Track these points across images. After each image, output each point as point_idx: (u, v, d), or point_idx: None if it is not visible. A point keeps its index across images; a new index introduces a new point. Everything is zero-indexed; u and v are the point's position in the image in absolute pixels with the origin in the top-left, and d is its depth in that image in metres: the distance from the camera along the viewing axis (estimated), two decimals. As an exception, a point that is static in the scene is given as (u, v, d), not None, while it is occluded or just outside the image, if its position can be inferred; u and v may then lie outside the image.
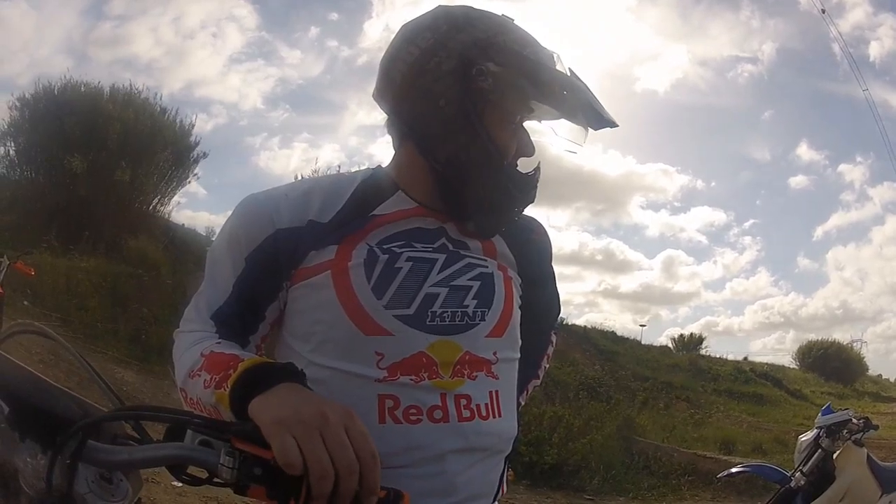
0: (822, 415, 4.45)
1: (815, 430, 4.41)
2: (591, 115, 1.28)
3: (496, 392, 1.31)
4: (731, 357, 23.70)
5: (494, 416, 1.29)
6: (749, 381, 20.13)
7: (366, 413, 1.17)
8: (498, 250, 1.40)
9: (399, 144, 1.39)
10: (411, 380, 1.22)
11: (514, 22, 1.35)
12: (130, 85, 15.49)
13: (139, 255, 12.97)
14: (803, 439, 4.51)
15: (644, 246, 41.56)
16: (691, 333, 25.84)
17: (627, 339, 22.04)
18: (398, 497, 0.98)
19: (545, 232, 1.57)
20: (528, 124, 1.38)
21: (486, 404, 1.28)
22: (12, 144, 14.74)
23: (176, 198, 16.19)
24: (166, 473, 0.97)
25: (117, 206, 14.14)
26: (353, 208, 1.32)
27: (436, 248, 1.33)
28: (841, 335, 29.90)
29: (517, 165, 1.36)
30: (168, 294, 11.40)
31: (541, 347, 1.69)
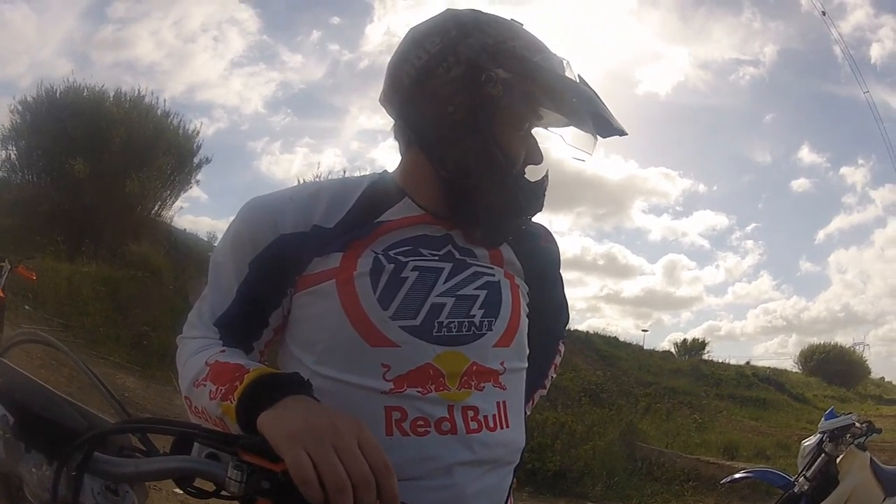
0: (826, 419, 4.45)
1: (819, 435, 4.42)
2: (600, 124, 1.27)
3: (504, 403, 1.29)
4: (733, 361, 23.76)
5: (502, 427, 1.28)
6: (752, 385, 20.12)
7: (373, 425, 1.14)
8: (505, 258, 1.39)
9: (406, 150, 1.38)
10: (418, 392, 1.21)
11: (524, 27, 1.34)
12: (137, 91, 15.52)
13: (141, 260, 12.97)
14: (806, 444, 4.51)
15: (646, 250, 41.71)
16: (694, 338, 25.92)
17: (630, 344, 22.11)
18: None
19: (553, 238, 1.56)
20: (536, 131, 1.37)
21: (494, 415, 1.27)
22: (13, 148, 14.75)
23: (178, 203, 16.21)
24: (169, 481, 0.97)
25: (119, 210, 14.13)
26: (358, 214, 1.31)
27: (442, 256, 1.31)
28: (843, 338, 30.03)
29: (525, 173, 1.35)
30: (170, 299, 11.41)
31: (548, 357, 1.68)
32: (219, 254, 1.34)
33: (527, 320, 1.40)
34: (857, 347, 26.71)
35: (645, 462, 10.19)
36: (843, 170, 41.62)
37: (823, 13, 19.45)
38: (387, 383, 1.20)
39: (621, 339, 22.16)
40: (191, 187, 16.29)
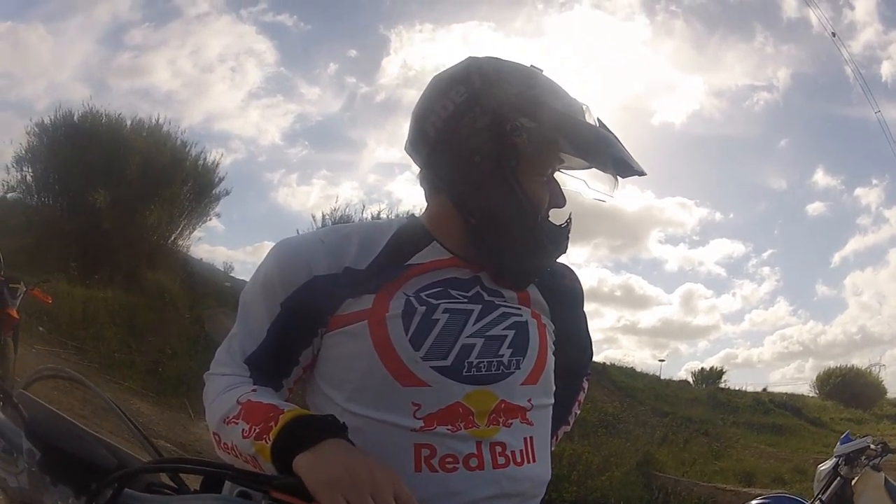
0: (841, 443, 4.45)
1: (834, 459, 4.41)
2: (621, 166, 1.28)
3: (531, 438, 1.30)
4: (750, 389, 23.56)
5: (529, 462, 1.28)
6: (768, 411, 19.99)
7: (402, 461, 1.17)
8: (532, 298, 1.40)
9: (432, 196, 1.40)
10: (448, 429, 1.21)
11: (544, 73, 1.36)
12: (155, 119, 15.70)
13: (157, 287, 13.05)
14: (822, 468, 4.51)
15: (663, 280, 41.42)
16: (711, 367, 25.73)
17: (646, 374, 22.07)
18: None
19: (577, 278, 1.57)
20: (558, 174, 1.38)
21: (521, 450, 1.27)
22: (29, 169, 14.89)
23: (195, 233, 16.30)
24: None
25: (135, 238, 14.25)
26: (389, 256, 1.32)
27: (471, 297, 1.33)
28: (859, 360, 29.71)
29: (549, 216, 1.37)
30: (185, 328, 11.47)
31: (572, 393, 1.68)
32: (249, 293, 1.35)
33: (553, 358, 1.40)
34: (874, 368, 26.42)
35: (662, 491, 10.12)
36: (858, 191, 41.11)
37: (833, 34, 19.40)
38: (417, 421, 1.21)
39: (638, 369, 22.16)
40: (209, 219, 16.43)
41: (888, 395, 25.37)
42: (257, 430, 1.09)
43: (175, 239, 15.81)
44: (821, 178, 35.57)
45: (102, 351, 10.26)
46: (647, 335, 35.57)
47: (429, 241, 1.35)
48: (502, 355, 1.28)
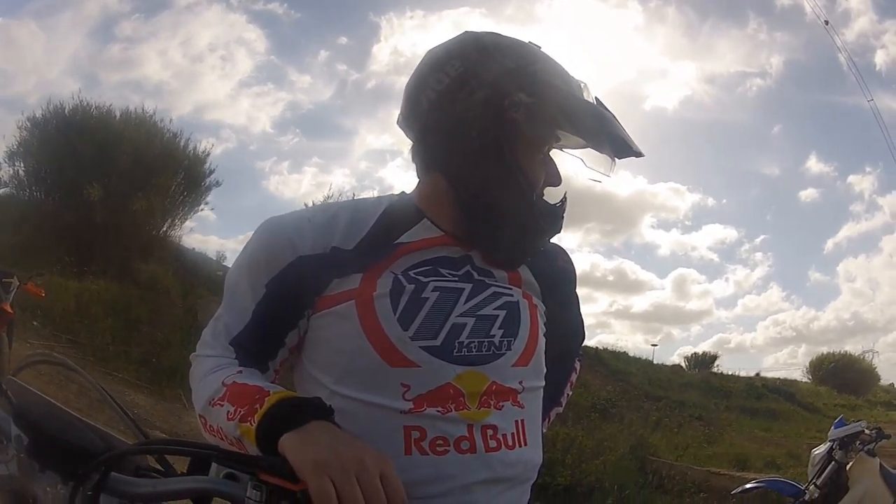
0: (835, 427, 4.47)
1: (828, 443, 4.44)
2: (618, 145, 1.27)
3: (522, 421, 1.29)
4: (743, 373, 23.63)
5: (520, 445, 1.27)
6: (761, 396, 20.05)
7: (392, 444, 1.16)
8: (523, 278, 1.38)
9: (424, 172, 1.37)
10: (438, 411, 1.20)
11: (542, 49, 1.34)
12: (142, 109, 15.62)
13: (150, 278, 13.01)
14: (816, 452, 4.53)
15: (655, 265, 41.37)
16: (704, 352, 25.87)
17: (639, 359, 22.10)
18: None
19: (569, 258, 1.55)
20: (554, 153, 1.37)
21: (513, 433, 1.26)
22: (21, 164, 14.82)
23: (187, 223, 16.26)
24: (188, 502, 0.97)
25: (128, 229, 14.18)
26: (377, 235, 1.30)
27: (461, 276, 1.31)
28: (852, 347, 29.75)
29: (544, 195, 1.35)
30: (179, 318, 11.43)
31: (564, 374, 1.67)
32: (234, 273, 1.33)
33: (544, 340, 1.39)
34: (867, 355, 26.56)
35: (656, 475, 10.12)
36: (851, 178, 41.28)
37: (826, 22, 19.34)
38: (406, 403, 1.20)
39: (631, 354, 22.18)
40: (201, 209, 16.35)
41: (881, 381, 25.55)
42: (242, 413, 1.09)
43: (167, 229, 15.76)
44: (814, 164, 35.74)
45: (97, 343, 10.21)
46: (639, 320, 35.78)
47: (419, 219, 1.33)
48: (493, 336, 1.27)
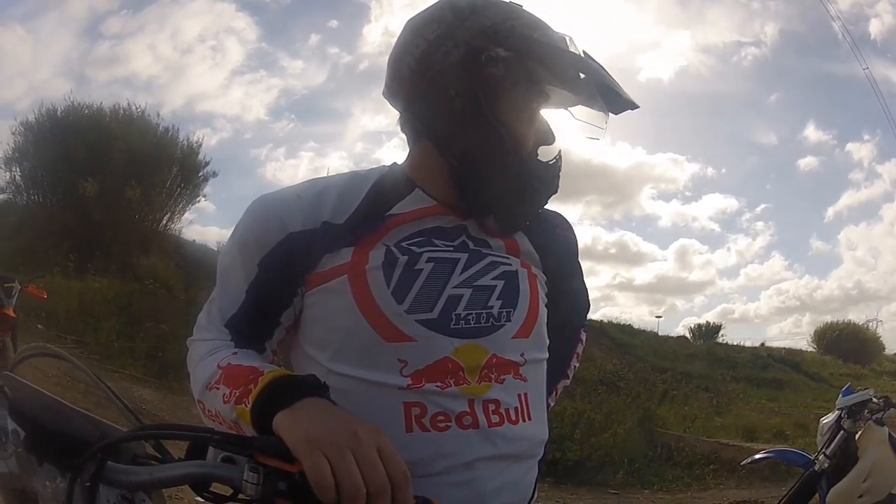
0: (843, 396, 4.42)
1: (837, 412, 4.39)
2: (610, 97, 1.23)
3: (525, 395, 1.27)
4: (748, 344, 23.58)
5: (524, 420, 1.25)
6: (767, 366, 20.02)
7: (392, 422, 1.15)
8: (521, 247, 1.36)
9: (413, 141, 1.36)
10: (437, 386, 1.18)
11: (523, 7, 1.30)
12: (129, 104, 15.59)
13: (151, 273, 13.00)
14: (825, 422, 4.49)
15: (657, 237, 41.51)
16: (708, 322, 25.83)
17: (644, 331, 22.00)
18: None
19: (570, 226, 1.53)
20: (546, 112, 1.33)
21: (516, 408, 1.24)
22: (17, 169, 14.78)
23: (186, 215, 16.24)
24: (188, 489, 0.96)
25: (126, 225, 14.19)
26: (368, 208, 1.28)
27: (456, 246, 1.28)
28: (856, 315, 29.77)
29: (538, 155, 1.31)
30: (182, 310, 11.41)
31: (570, 346, 1.65)
32: (226, 255, 1.31)
33: (546, 310, 1.36)
34: (871, 324, 26.53)
35: (664, 448, 10.16)
36: (850, 146, 40.94)
37: (820, -8, 19.21)
38: (404, 379, 1.18)
39: (636, 326, 22.08)
40: (198, 200, 16.33)
41: (886, 350, 25.54)
42: (237, 394, 1.08)
43: (166, 223, 15.77)
44: (812, 132, 35.64)
45: (101, 341, 10.23)
46: (643, 292, 35.74)
47: (411, 189, 1.30)
48: (492, 307, 1.25)
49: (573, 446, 9.01)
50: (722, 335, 24.65)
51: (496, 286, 1.27)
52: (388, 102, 1.36)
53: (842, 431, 4.29)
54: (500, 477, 1.21)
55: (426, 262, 1.24)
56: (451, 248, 1.28)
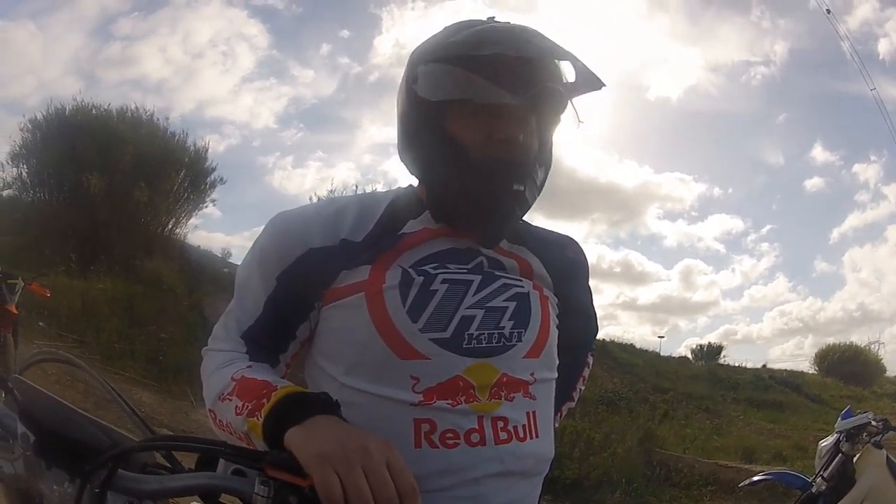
0: (842, 419, 4.44)
1: (835, 435, 4.42)
2: (510, 46, 1.18)
3: (534, 413, 1.28)
4: (749, 365, 23.53)
5: (532, 437, 1.26)
6: (768, 388, 19.98)
7: (401, 437, 1.16)
8: (534, 270, 1.38)
9: None
10: (448, 404, 1.19)
11: (489, 20, 1.28)
12: (137, 107, 15.63)
13: (155, 276, 13.01)
14: (823, 444, 4.51)
15: (662, 256, 41.23)
16: (710, 343, 25.76)
17: (646, 350, 22.01)
18: None
19: (580, 250, 1.53)
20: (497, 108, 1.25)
21: (524, 425, 1.25)
22: (24, 166, 14.82)
23: (192, 220, 16.27)
24: (197, 500, 0.96)
25: (132, 227, 14.21)
26: (384, 227, 1.30)
27: (471, 268, 1.30)
28: (858, 337, 29.77)
29: (498, 154, 1.24)
30: (184, 315, 11.46)
31: (576, 369, 1.66)
32: (245, 267, 1.34)
33: (556, 331, 1.38)
34: (873, 346, 26.44)
35: (663, 468, 10.13)
36: (856, 167, 40.91)
37: (828, 11, 19.23)
38: (416, 395, 1.19)
39: (638, 345, 22.09)
40: (205, 206, 16.35)
41: (888, 373, 25.45)
42: (250, 407, 1.09)
43: (172, 227, 15.78)
44: (819, 153, 35.49)
45: (102, 342, 10.22)
46: (646, 311, 35.64)
47: (421, 210, 1.33)
48: (503, 327, 1.26)
49: (572, 465, 8.98)
50: (724, 356, 24.62)
51: (508, 307, 1.29)
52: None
53: (840, 454, 4.31)
54: (506, 493, 1.22)
55: (441, 283, 1.26)
56: (465, 271, 1.30)
